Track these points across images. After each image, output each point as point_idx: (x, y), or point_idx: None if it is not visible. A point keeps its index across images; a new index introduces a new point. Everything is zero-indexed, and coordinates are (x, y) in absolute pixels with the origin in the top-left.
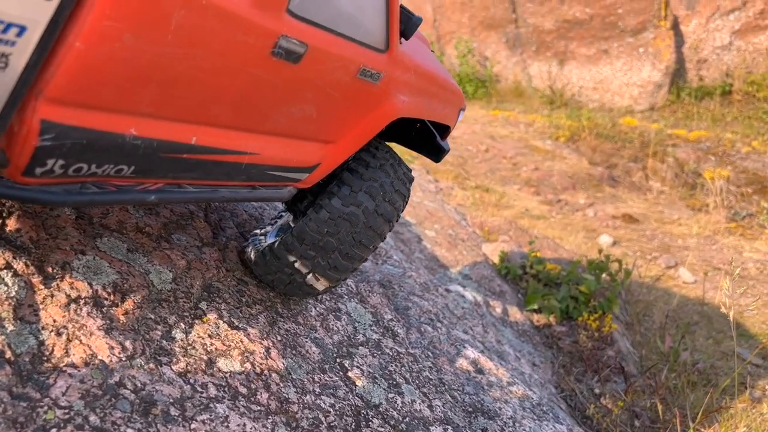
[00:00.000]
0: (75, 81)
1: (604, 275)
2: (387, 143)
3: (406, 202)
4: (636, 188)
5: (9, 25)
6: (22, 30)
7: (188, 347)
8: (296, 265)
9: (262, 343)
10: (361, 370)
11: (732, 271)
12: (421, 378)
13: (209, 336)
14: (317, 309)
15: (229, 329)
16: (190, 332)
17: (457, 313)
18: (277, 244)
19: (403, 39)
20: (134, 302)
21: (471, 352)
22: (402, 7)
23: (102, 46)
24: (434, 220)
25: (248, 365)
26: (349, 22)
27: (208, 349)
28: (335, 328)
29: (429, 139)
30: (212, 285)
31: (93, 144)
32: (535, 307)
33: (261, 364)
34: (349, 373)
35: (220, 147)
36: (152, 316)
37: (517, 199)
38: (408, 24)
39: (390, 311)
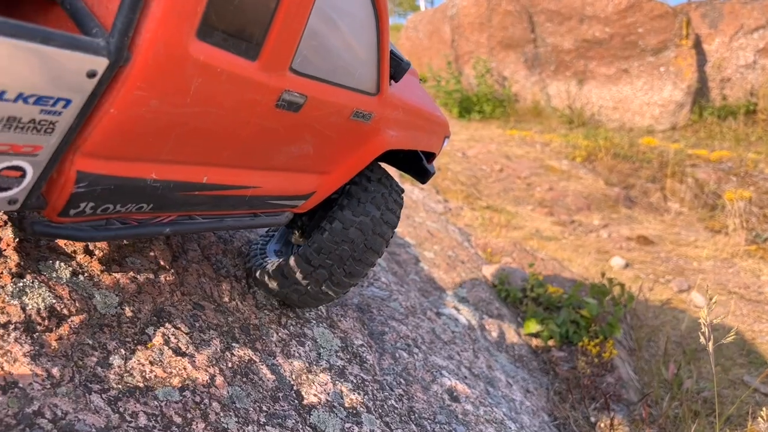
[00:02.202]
0: (108, 139)
1: (607, 299)
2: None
3: (395, 228)
4: (653, 209)
5: (58, 100)
6: (67, 103)
7: (125, 374)
8: (304, 281)
9: (207, 371)
10: (319, 398)
11: (710, 299)
12: (386, 407)
13: (150, 363)
14: (279, 334)
15: (173, 356)
16: (131, 359)
17: (445, 338)
18: (287, 263)
19: (392, 81)
20: (71, 327)
21: (448, 379)
22: (392, 53)
23: (132, 110)
24: (435, 241)
25: (187, 393)
26: (343, 73)
27: (147, 376)
28: (297, 355)
29: (417, 162)
30: (164, 309)
31: (119, 189)
32: (534, 331)
33: (202, 392)
34: (305, 402)
35: (227, 183)
36: (90, 342)
37: (529, 219)
38: (397, 69)
39: (362, 336)
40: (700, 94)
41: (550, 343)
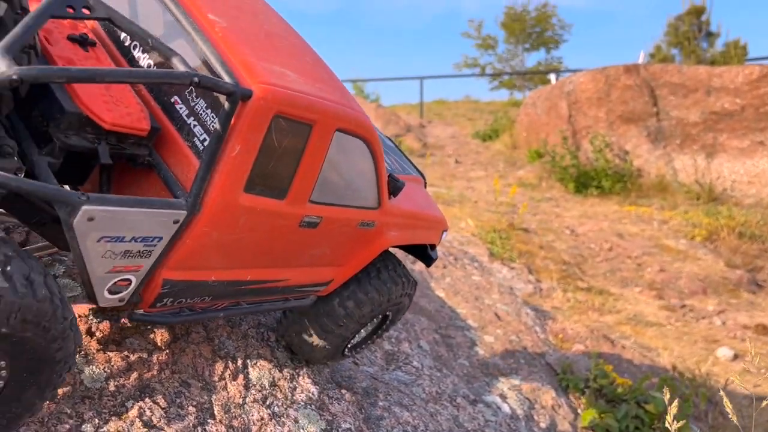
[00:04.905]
0: (184, 258)
1: (679, 394)
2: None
3: (396, 302)
4: None
5: (154, 238)
6: (160, 239)
7: None
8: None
9: None
10: None
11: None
12: None
13: None
14: (261, 413)
15: (142, 427)
16: (102, 428)
17: (469, 427)
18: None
19: (392, 196)
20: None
21: None
22: (390, 177)
23: (200, 241)
24: (500, 324)
25: None
26: (350, 197)
27: None
28: None
29: (422, 250)
30: (149, 386)
31: (189, 288)
32: (589, 424)
33: None
34: None
35: (265, 279)
36: (68, 411)
37: (633, 303)
38: (394, 187)
39: (353, 420)
40: None
41: None
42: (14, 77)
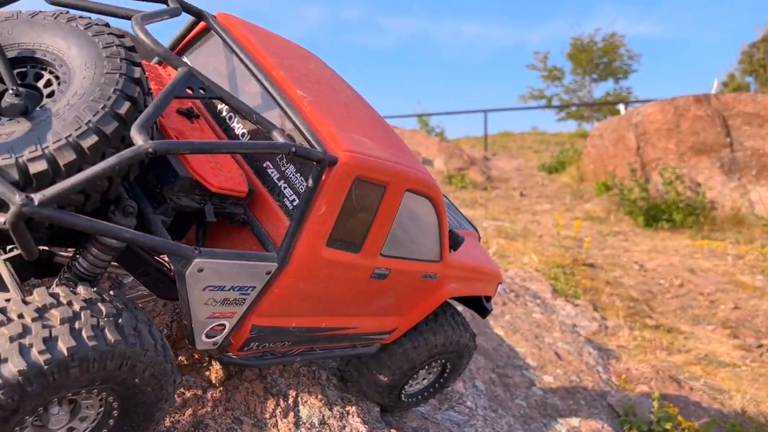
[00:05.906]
0: (271, 306)
1: None
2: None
3: (452, 349)
4: None
5: (249, 287)
6: (253, 288)
7: None
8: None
9: None
10: None
11: None
12: None
13: None
14: None
15: None
16: None
17: None
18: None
19: (452, 250)
20: None
21: None
22: (450, 232)
23: (287, 290)
24: (560, 364)
25: None
26: (415, 251)
27: None
28: None
29: (478, 301)
30: (203, 422)
31: (273, 333)
32: None
33: None
34: None
35: (337, 326)
36: None
37: (705, 341)
38: (454, 242)
39: None
40: None
41: None
42: (150, 150)
